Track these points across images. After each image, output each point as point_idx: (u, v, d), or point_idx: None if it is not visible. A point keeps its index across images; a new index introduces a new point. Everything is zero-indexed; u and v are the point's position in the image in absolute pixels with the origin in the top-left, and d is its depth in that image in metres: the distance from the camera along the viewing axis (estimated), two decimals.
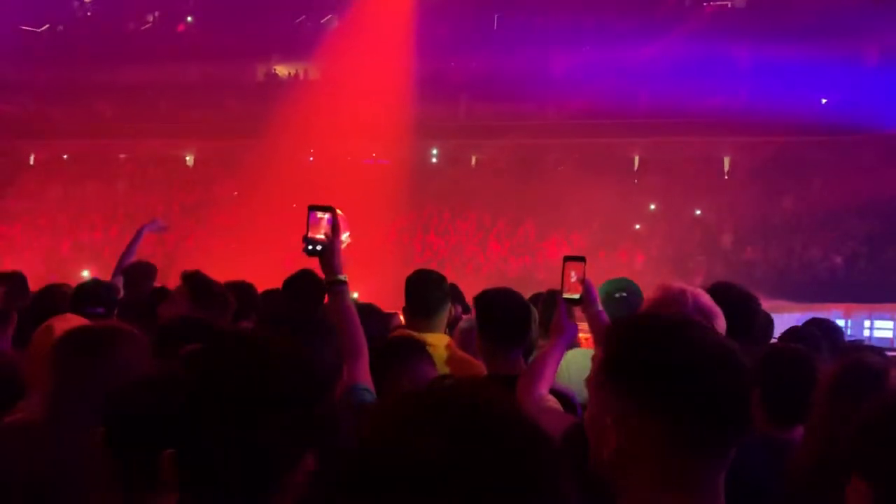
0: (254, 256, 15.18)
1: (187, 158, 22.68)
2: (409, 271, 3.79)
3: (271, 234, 16.77)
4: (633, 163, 20.09)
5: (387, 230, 17.82)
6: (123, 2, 23.65)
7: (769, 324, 3.61)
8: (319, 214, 2.32)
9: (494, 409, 0.84)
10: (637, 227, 17.60)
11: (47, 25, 24.60)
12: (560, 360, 2.38)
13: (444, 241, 18.05)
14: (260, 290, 4.22)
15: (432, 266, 15.71)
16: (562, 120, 17.82)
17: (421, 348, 2.63)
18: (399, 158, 19.09)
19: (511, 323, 2.65)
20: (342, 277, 2.33)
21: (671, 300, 2.06)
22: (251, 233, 17.46)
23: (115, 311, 3.59)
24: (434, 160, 21.60)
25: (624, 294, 3.19)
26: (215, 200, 20.05)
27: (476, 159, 21.49)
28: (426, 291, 3.34)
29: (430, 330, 3.22)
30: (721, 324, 2.02)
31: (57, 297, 3.47)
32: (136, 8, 24.09)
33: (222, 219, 19.20)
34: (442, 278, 3.48)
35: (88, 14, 25.38)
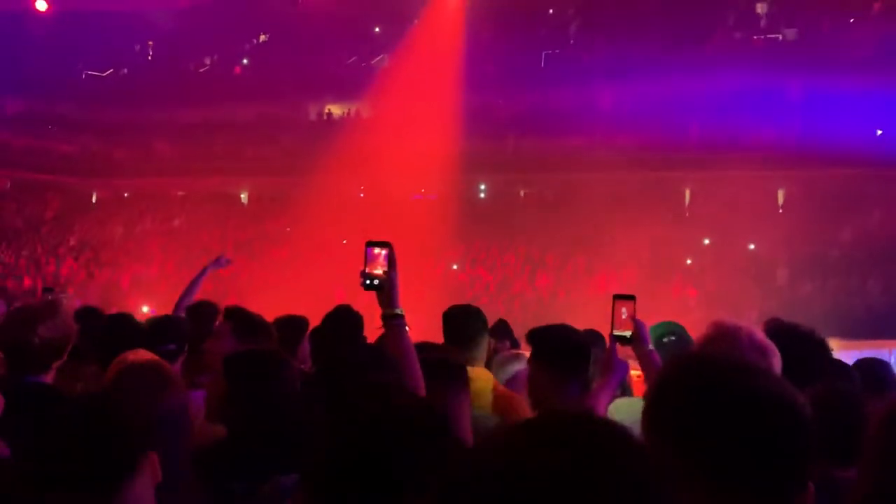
0: (306, 291, 15.40)
1: (242, 195, 23.24)
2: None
3: (323, 269, 17.01)
4: (684, 196, 19.87)
5: (435, 265, 17.90)
6: (183, 46, 24.58)
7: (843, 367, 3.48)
8: (377, 250, 2.38)
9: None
10: (689, 261, 17.33)
11: (111, 70, 25.69)
12: (611, 397, 2.37)
13: (493, 276, 18.04)
14: (312, 323, 4.29)
15: (482, 301, 15.74)
16: (610, 154, 17.74)
17: (461, 374, 2.64)
18: (448, 194, 19.25)
19: (567, 358, 2.63)
20: (399, 311, 2.37)
21: (725, 337, 2.03)
22: (303, 267, 17.72)
23: (186, 347, 3.69)
24: (482, 195, 21.71)
25: (673, 338, 3.14)
26: (268, 236, 20.45)
27: (524, 194, 21.52)
28: (463, 325, 3.37)
29: (469, 363, 3.24)
30: (777, 362, 1.99)
31: (128, 329, 3.60)
32: (195, 51, 24.99)
33: (275, 254, 19.56)
34: (478, 311, 3.51)
35: (150, 58, 26.43)
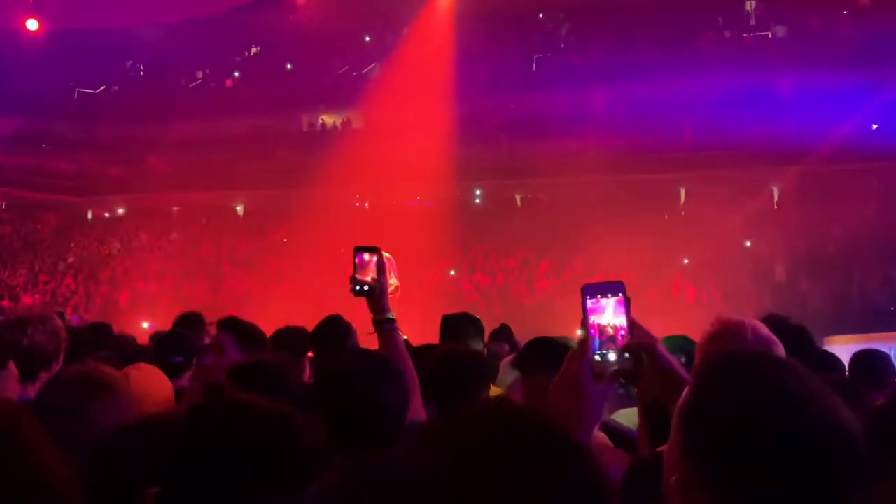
0: (304, 302, 15.39)
1: (238, 208, 23.23)
2: (456, 312, 3.84)
3: (320, 279, 17.01)
4: (679, 196, 19.92)
5: (434, 271, 17.91)
6: (174, 61, 24.58)
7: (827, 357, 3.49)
8: (366, 256, 2.38)
9: (560, 437, 0.81)
10: (686, 261, 17.36)
11: (103, 87, 25.69)
12: (607, 397, 2.36)
13: (491, 281, 18.05)
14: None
15: (480, 305, 15.73)
16: (605, 156, 17.79)
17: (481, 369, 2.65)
18: (443, 200, 19.28)
19: (552, 369, 2.65)
20: (391, 316, 2.37)
21: (729, 332, 2.03)
22: (301, 278, 17.73)
23: (194, 360, 3.72)
24: (478, 201, 21.73)
25: (683, 360, 3.08)
26: (266, 248, 20.44)
27: (520, 198, 21.56)
28: (457, 331, 3.40)
29: None
30: (780, 352, 1.99)
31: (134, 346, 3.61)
32: (187, 66, 25.00)
33: (273, 266, 19.55)
34: (473, 318, 3.55)
35: (141, 74, 26.44)
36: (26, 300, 18.14)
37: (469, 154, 18.62)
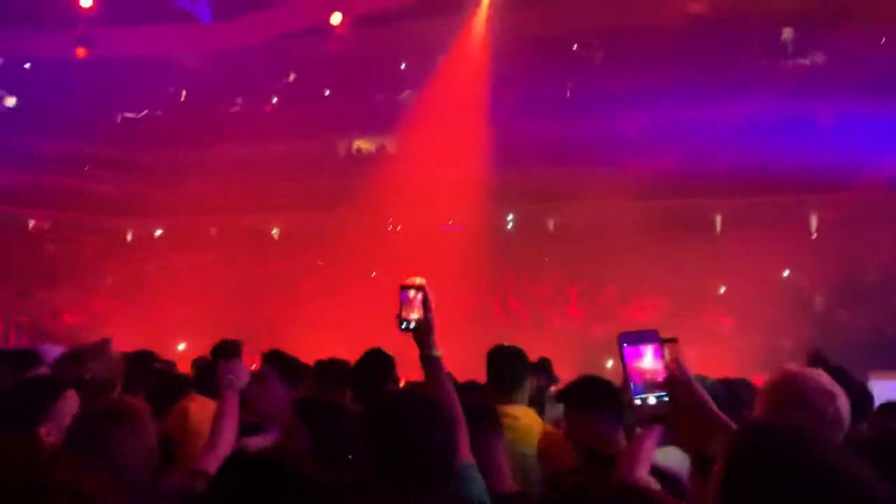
0: (337, 325, 15.52)
1: (273, 231, 23.55)
2: (489, 337, 3.86)
3: (353, 303, 17.14)
4: (715, 224, 19.71)
5: (465, 296, 17.92)
6: (214, 87, 25.14)
7: (867, 397, 3.42)
8: (411, 293, 2.44)
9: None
10: (722, 289, 17.14)
11: (146, 111, 26.35)
12: (657, 442, 2.35)
13: (524, 307, 18.00)
14: (337, 357, 4.31)
15: (512, 332, 15.70)
16: (639, 182, 17.70)
17: (494, 418, 2.65)
18: (476, 225, 19.32)
19: (599, 408, 2.63)
20: (437, 353, 2.41)
21: (791, 383, 2.00)
22: (335, 301, 17.89)
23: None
24: (510, 226, 21.74)
25: None
26: (300, 271, 20.66)
27: (553, 223, 21.52)
28: (505, 365, 3.41)
29: (512, 402, 3.26)
30: (843, 404, 1.95)
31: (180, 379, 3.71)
32: (226, 92, 25.54)
33: (307, 288, 19.74)
34: (521, 352, 3.55)
35: (182, 99, 27.07)
36: (68, 319, 18.54)
37: (502, 179, 18.68)
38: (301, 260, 21.08)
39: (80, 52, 20.10)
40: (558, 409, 3.92)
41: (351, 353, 4.60)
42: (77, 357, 2.83)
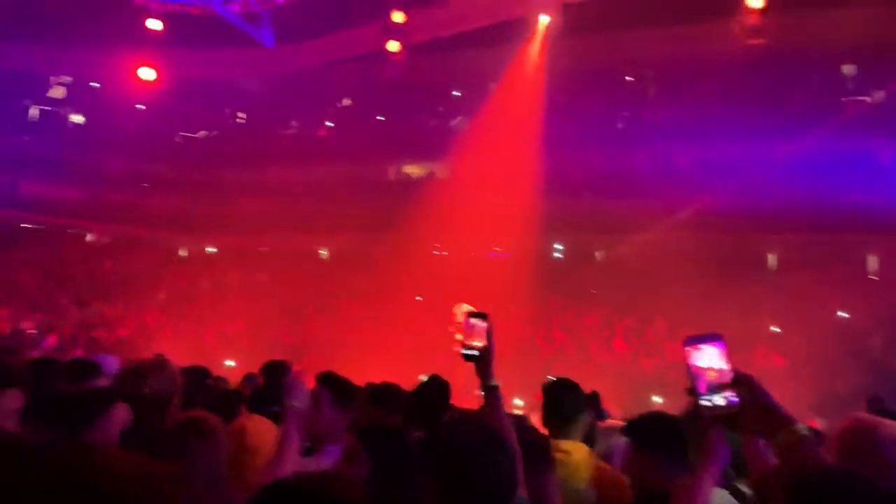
0: (382, 347, 15.57)
1: (322, 252, 23.84)
2: (531, 368, 3.83)
3: (398, 326, 17.18)
4: (769, 261, 19.32)
5: (508, 325, 17.84)
6: (270, 110, 25.74)
7: None
8: (476, 321, 2.46)
9: None
10: (775, 329, 16.73)
11: (203, 132, 27.08)
12: (713, 485, 2.30)
13: (568, 338, 17.81)
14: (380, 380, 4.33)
15: (556, 363, 15.53)
16: (691, 216, 17.46)
17: (546, 454, 2.63)
18: (523, 253, 19.26)
19: (663, 446, 2.58)
20: (496, 383, 2.42)
21: (864, 432, 1.95)
22: (380, 324, 17.95)
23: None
24: (558, 255, 21.63)
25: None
26: (347, 293, 20.84)
27: (601, 255, 21.34)
28: (562, 398, 3.38)
29: (566, 437, 3.23)
30: None
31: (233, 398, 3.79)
32: (282, 115, 26.13)
33: (353, 311, 19.88)
34: (577, 386, 3.51)
35: (239, 121, 27.76)
36: (121, 332, 18.98)
37: (550, 208, 18.60)
38: (347, 282, 21.27)
39: (147, 73, 20.77)
40: (607, 444, 3.87)
41: (394, 377, 4.62)
42: (139, 372, 2.93)
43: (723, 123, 17.86)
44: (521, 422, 3.76)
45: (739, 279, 16.35)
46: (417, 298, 19.25)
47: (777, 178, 17.34)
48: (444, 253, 21.62)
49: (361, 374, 5.43)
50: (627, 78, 22.25)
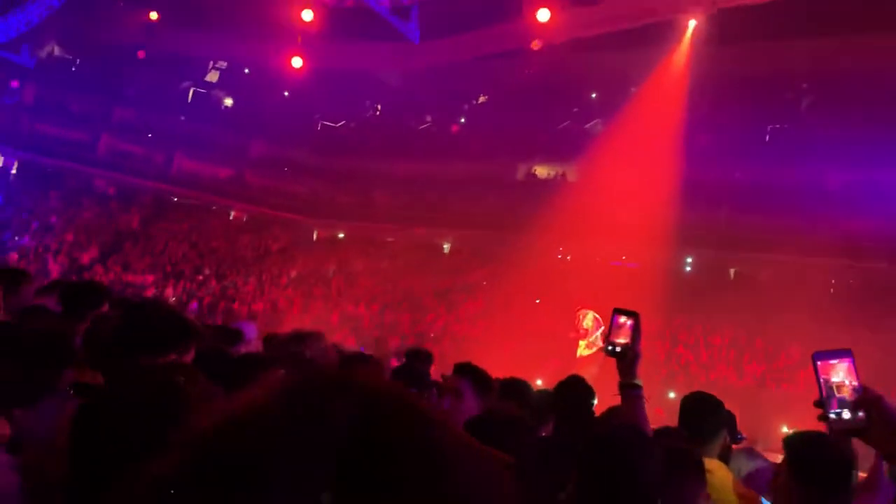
0: (496, 344, 15.56)
1: (445, 246, 24.15)
2: (652, 382, 3.68)
3: (515, 326, 17.13)
4: None
5: None
6: (407, 104, 26.31)
7: None
8: (623, 319, 2.40)
9: None
10: None
11: (343, 122, 28.06)
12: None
13: (693, 356, 17.15)
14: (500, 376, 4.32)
15: (679, 379, 14.98)
16: (836, 240, 16.35)
17: (699, 467, 2.51)
18: (651, 264, 18.70)
19: (828, 477, 2.34)
20: (638, 382, 2.36)
21: None
22: (495, 323, 17.97)
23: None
24: (688, 269, 20.87)
25: None
26: (466, 287, 21.00)
27: (734, 272, 20.41)
28: (704, 415, 3.23)
29: (704, 454, 3.09)
30: None
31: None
32: (418, 109, 26.65)
33: (470, 305, 20.01)
34: (720, 404, 3.35)
35: (377, 113, 28.56)
36: (256, 307, 19.98)
37: (685, 220, 17.94)
38: (467, 276, 21.43)
39: (296, 62, 21.71)
40: (746, 466, 3.69)
41: (511, 373, 4.60)
42: (300, 338, 3.12)
43: (881, 143, 16.62)
44: (665, 435, 3.62)
45: (884, 310, 15.19)
46: (536, 301, 19.12)
47: None
48: (568, 258, 21.36)
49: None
50: (779, 89, 21.12)
